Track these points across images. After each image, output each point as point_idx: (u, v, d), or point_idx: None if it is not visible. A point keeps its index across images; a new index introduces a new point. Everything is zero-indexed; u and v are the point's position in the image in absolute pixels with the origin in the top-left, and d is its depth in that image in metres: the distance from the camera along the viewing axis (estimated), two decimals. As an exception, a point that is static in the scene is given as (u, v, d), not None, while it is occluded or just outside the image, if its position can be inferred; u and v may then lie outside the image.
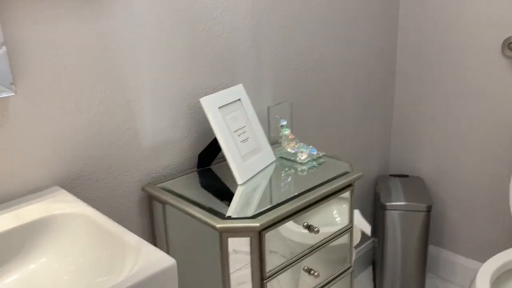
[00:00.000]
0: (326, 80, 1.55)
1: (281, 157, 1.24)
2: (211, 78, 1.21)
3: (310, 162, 1.20)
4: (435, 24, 1.71)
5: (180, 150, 1.19)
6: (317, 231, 1.03)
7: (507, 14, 1.54)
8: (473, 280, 1.34)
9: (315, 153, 1.22)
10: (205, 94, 1.20)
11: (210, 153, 1.20)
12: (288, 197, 1.01)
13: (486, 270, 1.34)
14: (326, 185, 1.07)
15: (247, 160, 1.13)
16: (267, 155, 1.20)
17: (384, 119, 1.89)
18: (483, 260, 1.79)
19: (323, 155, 1.23)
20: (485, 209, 1.76)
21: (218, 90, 1.20)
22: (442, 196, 1.87)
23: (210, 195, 1.07)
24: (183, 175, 1.17)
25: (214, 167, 1.22)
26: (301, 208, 1.00)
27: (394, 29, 1.80)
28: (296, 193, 1.02)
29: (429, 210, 1.71)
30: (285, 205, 0.97)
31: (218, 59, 1.21)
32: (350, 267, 1.21)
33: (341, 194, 1.11)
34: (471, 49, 1.65)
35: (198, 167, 1.21)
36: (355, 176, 1.13)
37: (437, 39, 1.72)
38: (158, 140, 1.13)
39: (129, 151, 1.08)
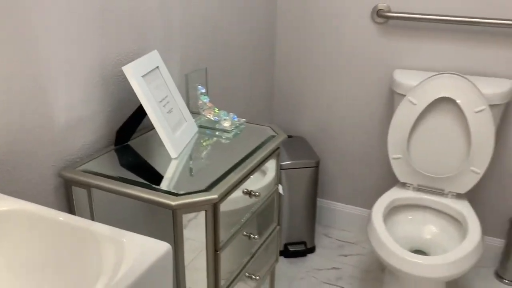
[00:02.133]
0: (225, 47, 1.53)
1: (201, 126, 1.20)
2: (123, 45, 1.08)
3: (234, 130, 1.19)
4: (314, -9, 1.82)
5: (95, 128, 1.05)
6: (258, 195, 1.04)
7: (376, -17, 1.72)
8: (369, 218, 1.53)
9: (236, 120, 1.22)
10: (117, 63, 1.07)
11: (129, 128, 1.09)
12: (230, 166, 0.99)
13: (378, 209, 1.55)
14: (260, 150, 1.08)
15: (176, 132, 1.06)
16: (191, 126, 1.15)
17: (266, 83, 1.96)
18: (366, 206, 2.04)
19: (244, 121, 1.23)
20: (363, 160, 1.99)
21: (131, 59, 1.09)
22: (324, 153, 2.06)
23: (144, 173, 0.98)
24: (101, 154, 1.04)
25: (132, 143, 1.12)
26: (245, 175, 0.99)
27: (276, -5, 1.86)
28: (237, 161, 1.01)
29: (317, 165, 1.87)
30: (231, 174, 0.96)
31: (129, 25, 1.09)
32: (278, 225, 1.26)
33: (272, 157, 1.14)
34: (345, 16, 1.81)
35: (116, 144, 1.09)
36: (282, 138, 1.16)
37: (314, 6, 1.84)
38: (71, 118, 0.98)
39: (40, 133, 0.91)
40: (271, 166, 1.17)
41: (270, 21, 1.86)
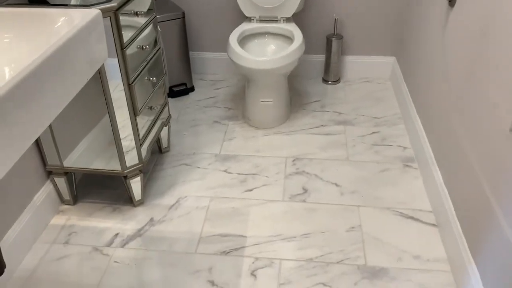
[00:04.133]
0: None
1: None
2: None
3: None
4: None
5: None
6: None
7: None
8: (228, 44, 2.07)
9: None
10: None
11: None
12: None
13: (232, 37, 2.09)
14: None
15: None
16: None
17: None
18: (225, 49, 2.58)
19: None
20: (217, 9, 2.48)
21: None
22: (188, 9, 2.49)
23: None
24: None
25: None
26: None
27: None
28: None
29: (183, 16, 2.31)
30: (121, -6, 1.37)
31: None
32: (165, 74, 1.74)
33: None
34: None
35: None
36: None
37: None
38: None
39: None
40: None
41: None
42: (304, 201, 1.75)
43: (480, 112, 1.31)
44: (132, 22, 1.48)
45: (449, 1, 1.60)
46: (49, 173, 1.66)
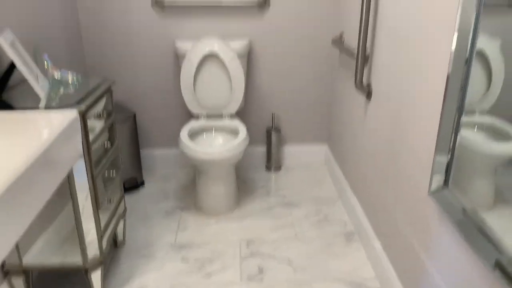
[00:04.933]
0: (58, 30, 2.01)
1: (52, 81, 1.71)
2: (-18, 27, 1.52)
3: (76, 81, 1.74)
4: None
5: (-25, 86, 1.47)
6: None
7: (151, -20, 2.42)
8: (179, 140, 2.26)
9: (75, 74, 1.77)
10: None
11: (1, 84, 1.54)
12: (83, 95, 1.57)
13: (183, 133, 2.29)
14: (101, 86, 1.68)
15: (39, 83, 1.57)
16: (45, 80, 1.66)
17: (78, 61, 2.48)
18: (177, 145, 2.77)
19: (81, 75, 1.79)
20: (167, 108, 2.71)
21: (-8, 36, 1.53)
22: (137, 111, 2.70)
23: (24, 103, 1.47)
24: (-15, 104, 1.48)
25: (4, 94, 1.56)
26: (97, 99, 1.59)
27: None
28: (87, 93, 1.60)
29: (134, 117, 2.50)
30: (88, 98, 1.54)
31: (-17, 12, 1.52)
32: (121, 168, 1.87)
33: (109, 92, 1.75)
34: (134, 9, 2.46)
35: (-7, 98, 1.53)
36: (111, 81, 1.78)
37: (110, 3, 2.45)
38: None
39: None
40: (99, 125, 1.78)
41: (75, 19, 2.38)
42: (261, 280, 1.85)
43: (402, 182, 1.56)
44: (95, 122, 1.63)
45: (366, 96, 1.94)
46: (6, 274, 1.64)
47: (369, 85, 1.90)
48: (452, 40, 1.20)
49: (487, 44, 1.30)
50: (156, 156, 2.81)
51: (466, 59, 1.17)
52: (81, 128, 1.48)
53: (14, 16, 1.73)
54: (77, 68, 2.40)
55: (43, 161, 0.96)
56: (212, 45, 2.36)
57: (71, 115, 1.19)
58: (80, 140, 1.25)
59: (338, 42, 2.34)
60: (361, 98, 2.05)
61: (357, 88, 1.89)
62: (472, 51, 1.17)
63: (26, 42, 1.79)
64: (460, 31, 1.17)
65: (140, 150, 2.78)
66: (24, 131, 1.15)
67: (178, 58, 2.49)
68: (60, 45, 2.18)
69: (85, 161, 1.53)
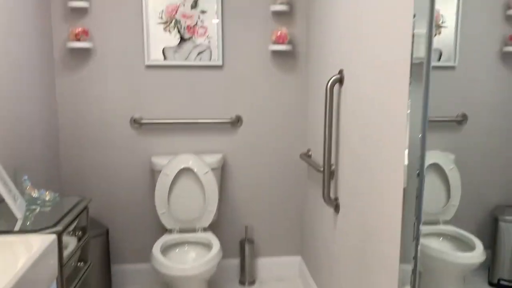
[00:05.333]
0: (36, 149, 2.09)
1: (28, 201, 1.74)
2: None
3: (52, 200, 1.78)
4: (89, 105, 2.57)
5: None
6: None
7: (132, 101, 2.60)
8: (151, 255, 2.24)
9: (53, 194, 1.81)
10: (-35, 163, 1.56)
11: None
12: (60, 217, 1.60)
13: (155, 248, 2.29)
14: (77, 206, 1.72)
15: (16, 203, 1.60)
16: (22, 201, 1.69)
17: (52, 178, 2.53)
18: (146, 260, 2.73)
19: (58, 195, 1.83)
20: (140, 222, 2.71)
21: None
22: (110, 226, 2.69)
23: (6, 227, 1.48)
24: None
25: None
26: (73, 219, 1.62)
27: (56, 111, 2.53)
28: (63, 214, 1.63)
29: (107, 233, 2.50)
30: (65, 218, 1.57)
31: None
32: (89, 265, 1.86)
33: (85, 211, 1.78)
34: (113, 125, 2.61)
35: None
36: (88, 200, 1.82)
37: (90, 116, 2.58)
38: None
39: None
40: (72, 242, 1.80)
41: (55, 129, 2.49)
42: None
43: (375, 297, 1.60)
44: (70, 241, 1.64)
45: (334, 209, 2.04)
46: None
47: (336, 199, 2.01)
48: (404, 156, 1.34)
49: (442, 158, 1.45)
50: (127, 272, 2.74)
51: (417, 172, 1.30)
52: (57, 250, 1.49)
53: (-2, 139, 1.81)
54: (54, 184, 2.44)
55: (21, 286, 0.97)
56: (187, 161, 2.48)
57: (49, 238, 1.22)
58: (56, 262, 1.26)
59: (306, 157, 2.51)
60: (330, 210, 2.14)
61: (325, 202, 2.00)
62: (423, 165, 1.31)
63: (7, 163, 1.85)
64: (410, 147, 1.32)
65: (111, 266, 2.72)
66: (2, 257, 1.16)
67: (153, 174, 2.58)
68: (39, 162, 2.25)
69: (57, 282, 1.50)
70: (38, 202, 1.75)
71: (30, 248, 1.17)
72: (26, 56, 2.14)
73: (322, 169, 2.03)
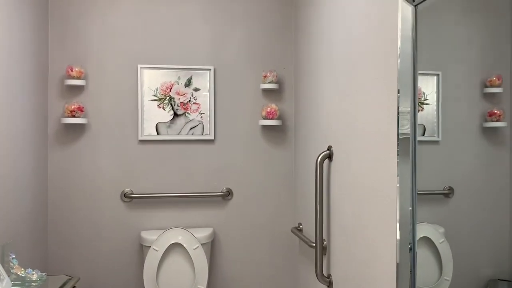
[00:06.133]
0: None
1: (14, 280, 1.68)
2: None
3: (39, 280, 1.72)
4: (81, 179, 2.57)
5: None
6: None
7: (123, 175, 2.62)
8: None
9: (40, 273, 1.76)
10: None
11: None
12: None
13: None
14: (66, 286, 1.66)
15: (1, 284, 1.55)
16: (8, 281, 1.63)
17: (41, 257, 2.46)
18: None
19: (45, 274, 1.78)
20: None
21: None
22: (94, 304, 2.58)
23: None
24: None
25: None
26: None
27: (46, 185, 2.52)
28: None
29: (91, 313, 2.39)
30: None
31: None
32: None
33: (71, 292, 1.72)
34: (103, 199, 2.60)
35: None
36: (76, 279, 1.77)
37: (81, 192, 2.57)
38: None
39: None
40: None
41: (45, 205, 2.47)
42: None
43: None
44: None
45: (328, 287, 2.01)
46: None
47: (329, 276, 1.98)
48: (396, 230, 1.36)
49: (431, 232, 1.46)
50: None
51: (410, 247, 1.31)
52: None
53: (-13, 216, 1.79)
54: (41, 261, 2.36)
55: None
56: (177, 236, 2.45)
57: None
58: None
59: (297, 231, 2.50)
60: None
61: (319, 279, 1.97)
62: (414, 238, 1.32)
63: (-7, 240, 1.81)
64: (401, 221, 1.34)
65: None
66: None
67: (143, 248, 2.53)
68: (27, 238, 2.20)
69: None
70: (25, 282, 1.69)
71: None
72: (22, 133, 2.18)
73: (314, 244, 2.02)
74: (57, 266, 2.54)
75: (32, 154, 2.31)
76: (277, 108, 2.66)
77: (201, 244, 2.47)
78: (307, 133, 2.44)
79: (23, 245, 2.17)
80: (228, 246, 2.72)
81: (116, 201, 2.61)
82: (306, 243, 2.24)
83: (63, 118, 2.50)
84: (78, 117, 2.51)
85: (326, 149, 2.00)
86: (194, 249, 2.44)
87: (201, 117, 2.66)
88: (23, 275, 1.70)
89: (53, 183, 2.55)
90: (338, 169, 1.90)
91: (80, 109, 2.52)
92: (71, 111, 2.49)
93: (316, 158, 1.98)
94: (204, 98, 2.67)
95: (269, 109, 2.65)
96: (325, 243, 2.02)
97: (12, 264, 1.71)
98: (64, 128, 2.57)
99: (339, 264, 1.88)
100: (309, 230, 2.36)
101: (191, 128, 2.66)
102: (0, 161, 1.92)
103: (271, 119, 2.65)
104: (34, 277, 1.70)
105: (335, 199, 1.93)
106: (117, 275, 2.61)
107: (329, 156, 1.97)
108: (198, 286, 2.43)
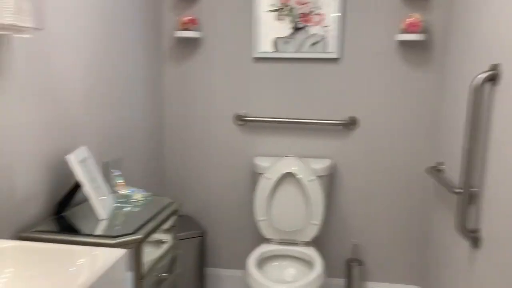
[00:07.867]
0: (128, 142, 2.01)
1: (119, 199, 1.62)
2: (61, 144, 1.51)
3: (143, 200, 1.64)
4: (193, 99, 2.44)
5: (43, 200, 1.42)
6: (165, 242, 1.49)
7: (237, 96, 2.41)
8: (246, 267, 2.02)
9: (145, 193, 1.67)
10: (58, 156, 1.49)
11: (66, 200, 1.48)
12: (147, 219, 1.44)
13: (251, 260, 2.06)
14: (166, 209, 1.55)
15: (102, 203, 1.48)
16: (111, 198, 1.57)
17: (159, 178, 2.45)
18: (241, 267, 2.53)
19: (151, 194, 1.69)
20: (238, 228, 2.52)
21: (68, 152, 1.51)
22: (208, 226, 2.55)
23: (84, 228, 1.37)
24: (50, 219, 1.40)
25: (68, 212, 1.49)
26: (158, 225, 1.45)
27: (162, 104, 2.44)
28: (151, 216, 1.47)
29: (202, 235, 2.34)
30: (149, 224, 1.40)
31: (65, 131, 1.53)
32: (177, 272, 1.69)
33: (174, 215, 1.61)
34: (217, 120, 2.45)
35: (57, 214, 1.46)
36: (179, 204, 1.65)
37: (194, 113, 2.45)
38: (22, 196, 1.35)
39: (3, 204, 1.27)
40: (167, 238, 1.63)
41: (159, 125, 2.41)
42: None
43: None
44: (153, 249, 1.47)
45: (472, 243, 1.59)
46: None
47: (476, 230, 1.56)
48: None
49: None
50: (222, 277, 2.57)
51: None
52: (134, 260, 1.32)
53: (88, 136, 1.73)
54: (153, 183, 2.35)
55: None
56: (291, 165, 2.20)
57: (117, 253, 1.03)
58: (126, 276, 1.07)
59: (435, 172, 2.06)
60: (464, 244, 1.69)
61: (459, 232, 1.56)
62: None
63: (107, 156, 1.77)
64: None
65: (206, 269, 2.57)
66: (61, 265, 1.01)
67: (255, 176, 2.36)
68: (140, 156, 2.17)
69: (133, 296, 1.34)
70: (127, 201, 1.62)
71: (94, 265, 1.00)
72: (134, 48, 2.05)
73: (458, 190, 1.59)
74: (168, 189, 2.53)
75: (147, 71, 2.21)
76: (421, 19, 2.12)
77: (318, 176, 2.20)
78: (462, 49, 1.90)
79: (136, 163, 2.14)
80: (348, 182, 2.40)
81: (229, 123, 2.44)
82: (447, 187, 1.80)
83: (176, 32, 2.33)
84: (192, 30, 2.31)
85: (488, 69, 1.48)
86: (310, 181, 2.18)
87: (325, 31, 2.26)
88: (125, 196, 1.63)
89: (168, 100, 2.46)
90: (505, 95, 1.39)
91: (193, 22, 2.31)
92: (183, 24, 2.30)
93: (472, 79, 1.49)
94: (329, 8, 2.24)
95: (410, 20, 2.12)
96: (474, 189, 1.58)
97: (116, 181, 1.65)
98: (178, 43, 2.41)
99: (495, 218, 1.44)
100: (453, 173, 1.90)
101: (312, 44, 2.28)
102: (114, 77, 1.83)
103: (413, 32, 2.12)
104: (137, 197, 1.62)
105: (497, 134, 1.45)
106: (229, 201, 2.51)
107: (493, 78, 1.46)
108: (312, 221, 2.20)
